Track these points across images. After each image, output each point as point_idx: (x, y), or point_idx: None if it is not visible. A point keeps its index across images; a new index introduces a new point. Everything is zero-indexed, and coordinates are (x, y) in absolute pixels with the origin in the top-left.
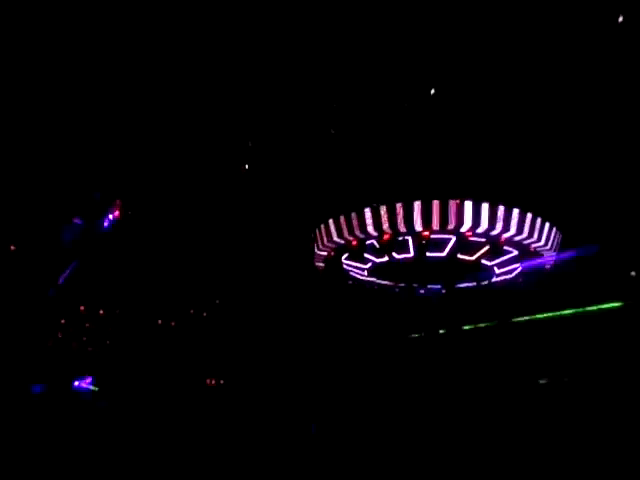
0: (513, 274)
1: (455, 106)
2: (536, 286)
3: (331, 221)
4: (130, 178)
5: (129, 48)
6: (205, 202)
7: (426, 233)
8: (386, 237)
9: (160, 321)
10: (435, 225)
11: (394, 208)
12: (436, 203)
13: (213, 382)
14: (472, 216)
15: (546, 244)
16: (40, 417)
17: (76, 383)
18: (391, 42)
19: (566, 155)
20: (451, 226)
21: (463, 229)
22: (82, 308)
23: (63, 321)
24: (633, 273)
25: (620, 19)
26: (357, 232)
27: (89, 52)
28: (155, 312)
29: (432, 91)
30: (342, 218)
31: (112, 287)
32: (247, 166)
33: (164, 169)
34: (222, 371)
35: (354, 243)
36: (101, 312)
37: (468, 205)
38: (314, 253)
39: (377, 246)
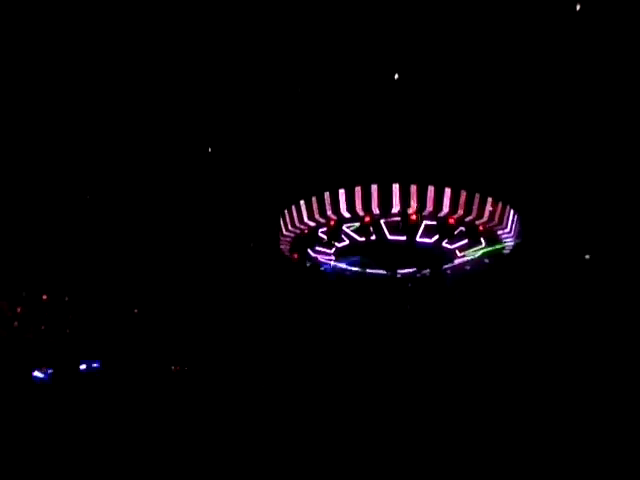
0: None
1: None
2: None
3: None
4: (92, 165)
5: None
6: (168, 187)
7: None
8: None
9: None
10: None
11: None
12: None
13: (177, 368)
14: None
15: (506, 227)
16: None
17: (36, 373)
18: (363, 23)
19: (532, 141)
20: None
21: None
22: (44, 297)
23: (19, 309)
24: (587, 256)
25: (577, 7)
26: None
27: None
28: (119, 300)
29: (396, 75)
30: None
31: (74, 275)
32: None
33: (125, 154)
34: (187, 357)
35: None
36: (64, 299)
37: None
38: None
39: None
